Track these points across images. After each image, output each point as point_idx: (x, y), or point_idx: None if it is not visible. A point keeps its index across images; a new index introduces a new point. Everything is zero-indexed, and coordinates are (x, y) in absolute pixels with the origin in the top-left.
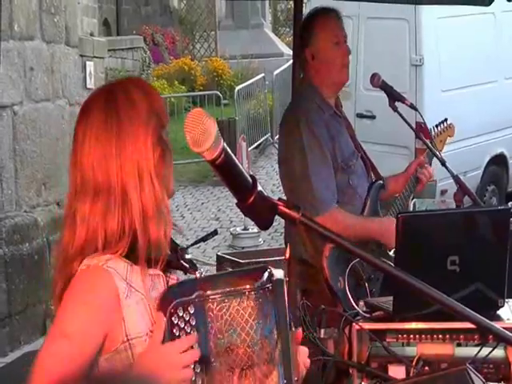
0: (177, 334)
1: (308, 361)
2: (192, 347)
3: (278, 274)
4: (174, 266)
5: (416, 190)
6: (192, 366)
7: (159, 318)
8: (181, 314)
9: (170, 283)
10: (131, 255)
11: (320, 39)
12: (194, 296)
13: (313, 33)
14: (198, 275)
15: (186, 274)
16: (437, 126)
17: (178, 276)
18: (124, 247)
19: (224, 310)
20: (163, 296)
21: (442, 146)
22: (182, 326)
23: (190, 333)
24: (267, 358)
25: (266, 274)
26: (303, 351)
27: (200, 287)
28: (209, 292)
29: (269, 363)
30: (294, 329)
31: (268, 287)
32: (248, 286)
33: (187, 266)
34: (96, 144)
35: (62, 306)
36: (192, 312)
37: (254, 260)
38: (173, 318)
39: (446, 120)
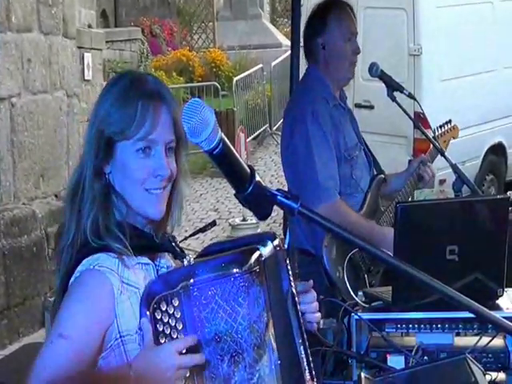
0: (160, 329)
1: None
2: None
3: (267, 250)
4: (164, 250)
5: (418, 187)
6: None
7: (145, 325)
8: (164, 309)
9: (159, 272)
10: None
11: (334, 32)
12: (178, 287)
13: (327, 24)
14: (185, 263)
15: (175, 258)
16: (441, 126)
17: (167, 262)
18: (111, 239)
19: (210, 299)
20: (146, 291)
21: (446, 146)
22: (166, 320)
23: (174, 326)
24: (256, 343)
25: (254, 257)
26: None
27: (185, 277)
28: (194, 281)
29: (259, 348)
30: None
31: (255, 270)
32: (235, 271)
33: (178, 249)
34: None
35: (60, 309)
36: (176, 305)
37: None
38: (156, 313)
39: (450, 121)
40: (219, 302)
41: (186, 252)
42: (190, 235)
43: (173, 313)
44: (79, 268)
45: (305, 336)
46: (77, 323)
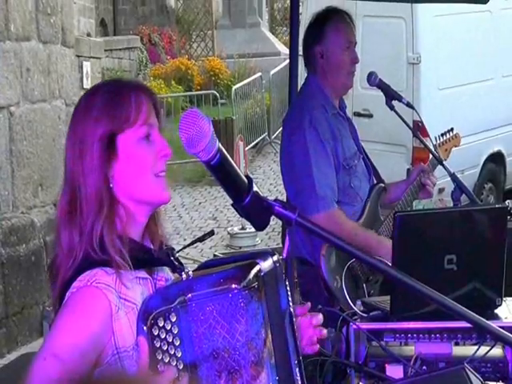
0: (157, 346)
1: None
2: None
3: (267, 265)
4: (162, 264)
5: (420, 197)
6: (177, 375)
7: (142, 343)
8: (161, 325)
9: (157, 285)
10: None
11: (332, 41)
12: (176, 303)
13: (325, 32)
14: (183, 276)
15: (174, 272)
16: (442, 134)
17: (166, 275)
18: (101, 254)
19: (208, 314)
20: (143, 307)
21: (447, 155)
22: (163, 336)
23: (172, 342)
24: (254, 360)
25: (252, 272)
26: (308, 323)
27: (183, 291)
28: (191, 295)
29: (256, 365)
30: (292, 309)
31: (254, 286)
32: (233, 287)
33: (176, 263)
34: (65, 148)
35: (54, 326)
36: (174, 320)
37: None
38: (153, 330)
39: (452, 129)
40: (217, 318)
41: (185, 261)
42: (188, 245)
43: (170, 329)
44: (76, 284)
45: (300, 357)
46: (71, 343)
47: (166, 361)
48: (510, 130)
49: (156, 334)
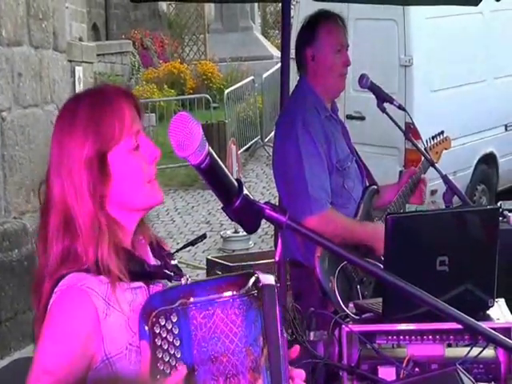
0: (158, 344)
1: None
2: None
3: (267, 279)
4: (158, 277)
5: (411, 202)
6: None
7: (144, 348)
8: (163, 323)
9: (151, 293)
10: (103, 271)
11: (323, 43)
12: (177, 304)
13: (316, 34)
14: (183, 281)
15: (171, 281)
16: (433, 137)
17: (163, 284)
18: (89, 264)
19: (208, 318)
20: (145, 305)
21: (438, 157)
22: (164, 335)
23: (172, 342)
24: (252, 366)
25: (251, 280)
26: (297, 374)
27: (184, 295)
28: (192, 299)
29: (254, 371)
30: (285, 334)
31: (253, 294)
32: (233, 293)
33: (172, 274)
34: (50, 160)
35: (42, 336)
36: (175, 321)
37: (243, 264)
38: (154, 328)
39: (442, 132)
40: (217, 322)
41: (178, 265)
42: (180, 248)
43: (171, 329)
44: (58, 288)
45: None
46: (60, 353)
47: (166, 360)
48: (502, 131)
49: (157, 332)
